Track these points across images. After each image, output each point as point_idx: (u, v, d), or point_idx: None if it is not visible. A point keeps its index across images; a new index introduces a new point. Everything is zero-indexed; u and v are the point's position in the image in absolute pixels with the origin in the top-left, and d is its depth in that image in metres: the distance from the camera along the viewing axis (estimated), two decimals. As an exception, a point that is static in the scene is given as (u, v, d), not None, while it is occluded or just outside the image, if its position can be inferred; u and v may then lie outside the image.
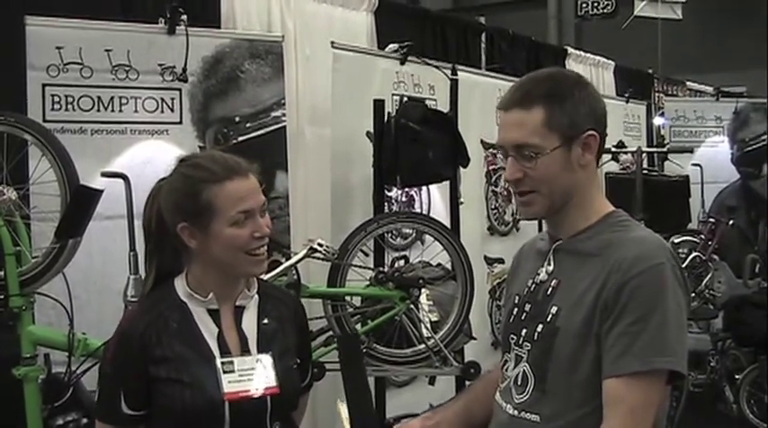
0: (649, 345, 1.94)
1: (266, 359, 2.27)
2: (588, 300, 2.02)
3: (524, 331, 2.14)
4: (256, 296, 2.36)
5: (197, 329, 2.24)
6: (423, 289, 3.76)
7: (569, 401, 2.04)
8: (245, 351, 2.26)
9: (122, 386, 2.21)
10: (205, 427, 2.19)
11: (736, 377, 6.26)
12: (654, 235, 2.13)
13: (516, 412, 2.12)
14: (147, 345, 2.19)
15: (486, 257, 5.48)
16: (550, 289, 2.12)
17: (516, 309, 2.22)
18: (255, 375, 2.23)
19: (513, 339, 2.19)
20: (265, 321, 2.33)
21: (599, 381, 1.99)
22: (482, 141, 5.41)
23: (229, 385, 2.19)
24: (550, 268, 2.15)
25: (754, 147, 6.88)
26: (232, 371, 2.21)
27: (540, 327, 2.09)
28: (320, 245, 3.53)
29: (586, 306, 2.02)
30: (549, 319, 2.08)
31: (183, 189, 2.23)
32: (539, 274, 2.18)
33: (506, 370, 2.20)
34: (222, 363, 2.21)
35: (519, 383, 2.13)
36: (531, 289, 2.19)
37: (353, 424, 3.43)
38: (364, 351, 3.66)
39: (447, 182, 4.70)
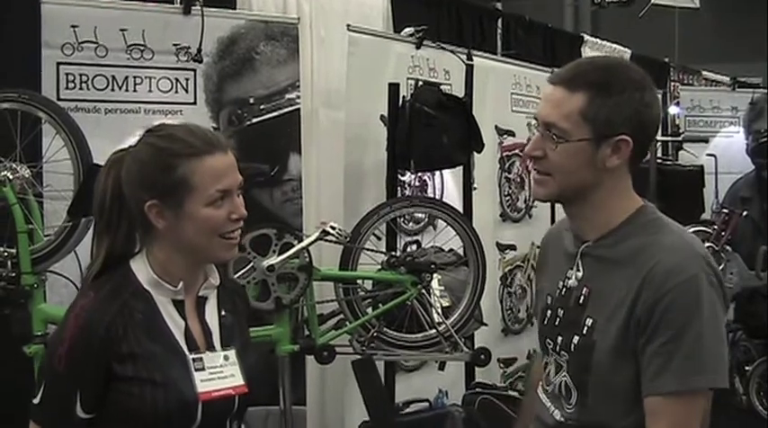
0: (685, 364, 1.91)
1: (231, 355, 2.10)
2: (622, 314, 1.98)
3: (560, 338, 2.11)
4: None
5: (163, 321, 2.03)
6: (434, 275, 3.75)
7: (613, 413, 2.03)
8: (209, 346, 2.09)
9: (80, 386, 1.95)
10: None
11: (747, 368, 6.21)
12: (687, 238, 2.06)
13: (564, 419, 2.10)
14: (112, 340, 1.95)
15: (498, 244, 5.46)
16: (582, 297, 2.08)
17: (549, 312, 2.18)
18: (224, 373, 2.07)
19: (549, 344, 2.16)
20: (223, 313, 2.16)
21: (640, 392, 1.97)
22: (496, 127, 5.38)
23: (202, 384, 2.02)
24: (579, 274, 2.10)
25: (770, 138, 6.81)
26: (203, 369, 2.03)
27: (576, 339, 2.06)
28: (333, 228, 3.51)
29: (621, 320, 1.98)
30: (585, 331, 2.04)
31: (154, 162, 2.00)
32: (569, 278, 2.13)
33: (549, 374, 2.18)
34: (193, 360, 2.03)
35: (564, 393, 2.11)
36: (563, 292, 2.15)
37: None
38: (375, 335, 3.67)
39: (460, 168, 4.69)
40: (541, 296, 2.25)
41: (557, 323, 2.14)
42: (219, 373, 2.06)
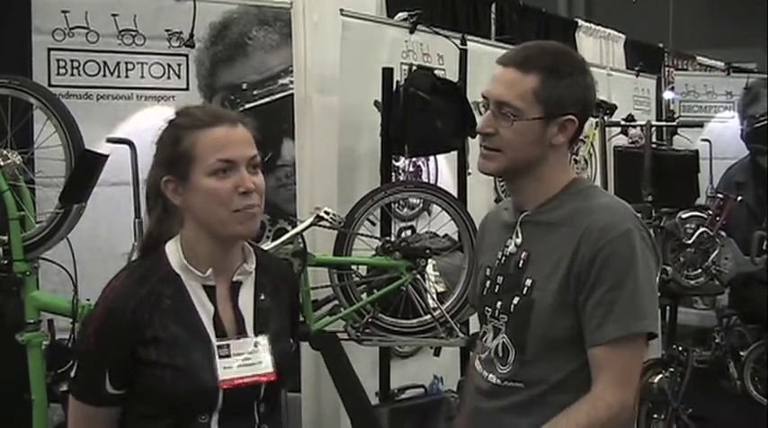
0: (625, 311, 2.04)
1: (263, 341, 2.09)
2: (561, 271, 2.10)
3: (499, 303, 2.21)
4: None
5: (192, 307, 2.05)
6: (429, 260, 3.74)
7: (550, 367, 2.13)
8: (240, 332, 2.08)
9: (108, 365, 2.01)
10: (194, 412, 2.02)
11: (741, 354, 6.24)
12: (618, 201, 2.23)
13: (500, 381, 2.20)
14: (138, 324, 1.99)
15: (492, 229, 5.44)
16: (521, 261, 2.19)
17: (489, 282, 2.28)
18: (252, 359, 2.06)
19: (488, 311, 2.26)
20: (261, 297, 2.15)
21: (578, 345, 2.10)
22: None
23: (225, 371, 2.02)
24: (519, 240, 2.22)
25: (765, 122, 6.79)
26: (228, 356, 2.04)
27: (515, 300, 2.17)
28: (327, 213, 3.49)
29: (560, 277, 2.10)
30: (524, 292, 2.15)
31: (166, 137, 2.07)
32: (507, 246, 2.24)
33: (486, 341, 2.28)
34: (218, 347, 2.03)
35: (500, 355, 2.20)
36: (502, 261, 2.25)
37: (351, 416, 3.44)
38: (370, 321, 3.66)
39: (455, 153, 4.67)
40: (480, 272, 2.35)
41: (496, 290, 2.24)
42: (247, 360, 2.06)
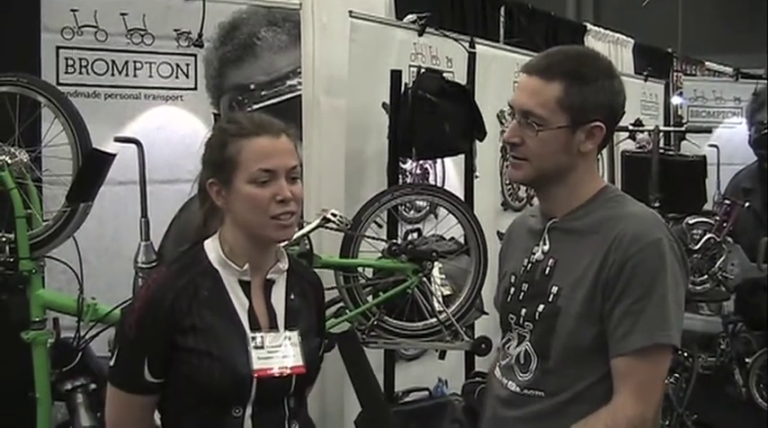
0: (652, 321, 2.01)
1: (294, 336, 2.22)
2: (589, 279, 2.07)
3: (524, 311, 2.19)
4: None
5: (228, 299, 2.18)
6: (436, 263, 3.73)
7: (573, 376, 2.11)
8: (272, 326, 2.21)
9: (147, 353, 2.13)
10: (227, 401, 2.13)
11: (747, 360, 6.21)
12: (648, 209, 2.21)
13: (519, 389, 2.18)
14: (177, 313, 2.12)
15: (499, 233, 5.42)
16: (548, 268, 2.17)
17: (513, 289, 2.26)
18: (283, 352, 2.19)
19: (512, 318, 2.24)
20: (292, 297, 2.28)
21: (601, 355, 2.07)
22: (498, 115, 5.35)
23: (258, 361, 2.14)
24: (546, 247, 2.20)
25: (772, 129, 6.79)
26: (261, 347, 2.16)
27: (541, 307, 2.14)
28: (333, 215, 3.49)
29: (587, 285, 2.07)
30: (550, 299, 2.13)
31: (213, 142, 2.21)
32: (534, 253, 2.22)
33: (508, 349, 2.26)
34: (252, 338, 2.16)
35: (522, 362, 2.18)
36: (528, 268, 2.23)
37: (364, 415, 3.43)
38: (375, 323, 3.65)
39: (462, 156, 4.66)
40: (505, 279, 2.34)
41: (521, 297, 2.22)
42: (277, 352, 2.18)
